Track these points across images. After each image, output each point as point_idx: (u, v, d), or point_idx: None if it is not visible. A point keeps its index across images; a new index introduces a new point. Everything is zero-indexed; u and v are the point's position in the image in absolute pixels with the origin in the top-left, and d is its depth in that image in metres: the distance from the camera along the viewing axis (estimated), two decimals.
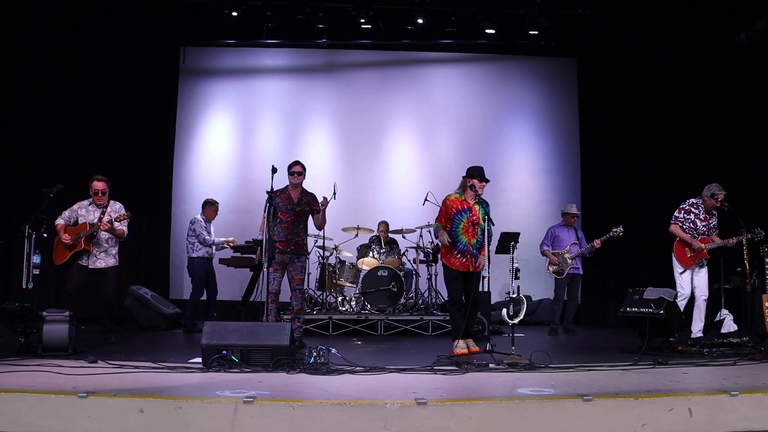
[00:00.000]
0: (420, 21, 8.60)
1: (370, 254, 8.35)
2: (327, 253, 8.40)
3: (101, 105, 9.04)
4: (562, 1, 8.49)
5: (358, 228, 8.65)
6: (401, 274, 7.96)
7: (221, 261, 8.33)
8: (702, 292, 6.37)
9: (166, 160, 9.67)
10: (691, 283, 6.40)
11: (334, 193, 6.92)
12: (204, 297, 8.02)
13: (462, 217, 5.95)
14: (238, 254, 8.38)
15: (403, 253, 8.54)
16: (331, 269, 8.23)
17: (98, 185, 6.47)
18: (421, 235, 8.47)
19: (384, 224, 8.84)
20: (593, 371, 4.80)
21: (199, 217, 8.04)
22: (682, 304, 6.31)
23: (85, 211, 6.49)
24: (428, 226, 7.99)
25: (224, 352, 4.65)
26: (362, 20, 8.56)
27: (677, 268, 6.45)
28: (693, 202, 6.49)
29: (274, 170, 5.85)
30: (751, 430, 3.64)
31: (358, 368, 4.71)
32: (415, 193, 8.88)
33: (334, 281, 8.24)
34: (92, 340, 6.31)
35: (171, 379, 4.41)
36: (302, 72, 10.24)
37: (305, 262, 6.46)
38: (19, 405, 3.55)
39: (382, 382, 4.34)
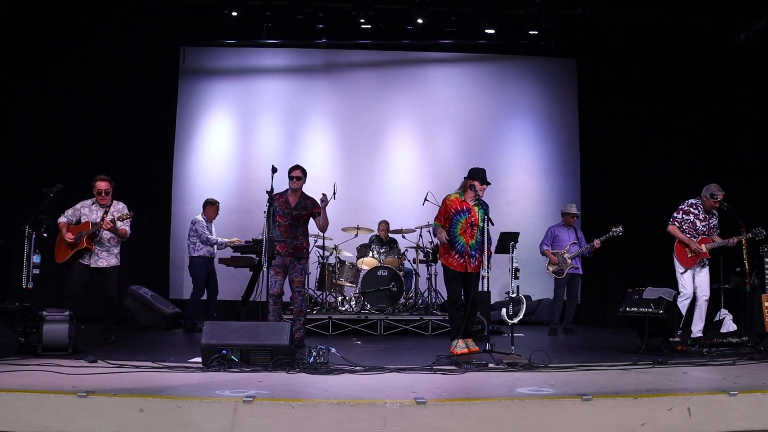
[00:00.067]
0: (420, 21, 8.60)
1: (370, 254, 8.35)
2: (327, 253, 8.40)
3: (101, 105, 9.05)
4: (562, 1, 8.49)
5: (357, 228, 8.66)
6: (401, 273, 7.97)
7: (221, 261, 8.33)
8: (703, 293, 6.37)
9: (166, 160, 9.68)
10: (693, 283, 6.40)
11: (334, 193, 6.93)
12: (204, 297, 8.03)
13: (461, 218, 5.95)
14: (238, 254, 8.38)
15: (403, 253, 8.54)
16: (330, 269, 8.24)
17: (101, 185, 6.48)
18: (420, 235, 8.47)
19: (384, 223, 8.85)
20: (593, 371, 4.80)
21: (199, 217, 8.04)
22: (684, 304, 6.31)
23: (88, 211, 6.49)
24: (428, 226, 8.00)
25: (224, 351, 4.66)
26: (362, 20, 8.56)
27: (678, 268, 6.44)
28: (692, 203, 6.47)
29: (274, 170, 5.86)
30: (750, 430, 3.64)
31: (357, 368, 4.71)
32: (415, 193, 8.88)
33: (334, 281, 8.24)
34: (92, 339, 6.31)
35: (171, 378, 4.42)
36: (302, 72, 10.25)
37: (305, 265, 6.47)
38: (19, 404, 3.55)
39: (382, 381, 4.35)
